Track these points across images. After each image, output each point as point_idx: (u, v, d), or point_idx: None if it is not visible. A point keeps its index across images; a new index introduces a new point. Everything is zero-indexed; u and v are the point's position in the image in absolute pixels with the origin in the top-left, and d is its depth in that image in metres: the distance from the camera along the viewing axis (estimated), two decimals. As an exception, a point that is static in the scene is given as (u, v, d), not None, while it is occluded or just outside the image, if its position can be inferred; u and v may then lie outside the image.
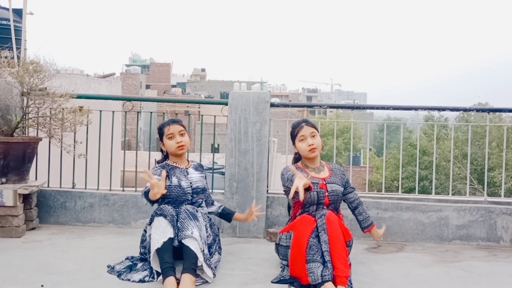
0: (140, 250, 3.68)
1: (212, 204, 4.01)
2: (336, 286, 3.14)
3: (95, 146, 5.04)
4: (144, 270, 3.46)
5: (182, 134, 3.82)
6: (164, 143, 3.83)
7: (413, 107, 5.16)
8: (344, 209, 4.28)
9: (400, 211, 4.64)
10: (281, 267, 3.60)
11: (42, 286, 3.20)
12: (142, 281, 3.36)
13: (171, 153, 3.83)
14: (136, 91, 44.67)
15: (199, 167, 3.95)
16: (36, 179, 4.88)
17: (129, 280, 3.37)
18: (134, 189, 5.00)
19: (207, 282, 3.34)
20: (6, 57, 4.66)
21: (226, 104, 4.75)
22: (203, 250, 3.35)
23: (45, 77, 4.63)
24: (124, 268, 3.53)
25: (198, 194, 3.79)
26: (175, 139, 3.78)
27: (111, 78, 14.94)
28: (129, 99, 5.17)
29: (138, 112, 5.55)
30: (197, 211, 3.59)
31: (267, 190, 4.75)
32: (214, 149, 5.90)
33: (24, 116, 4.61)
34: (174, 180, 3.72)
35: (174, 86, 54.72)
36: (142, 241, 3.66)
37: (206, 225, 3.62)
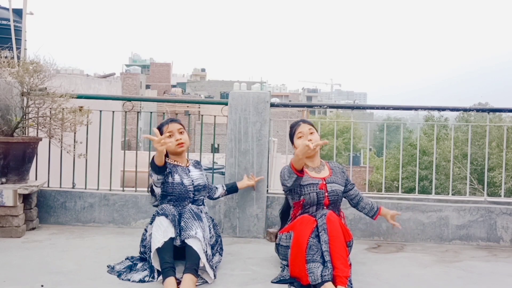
0: (140, 249, 3.68)
1: (217, 189, 4.23)
2: (336, 286, 3.14)
3: (95, 146, 5.04)
4: (144, 270, 3.46)
5: (181, 132, 3.82)
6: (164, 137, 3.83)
7: (413, 107, 5.16)
8: (345, 209, 4.29)
9: (400, 211, 4.63)
10: (281, 267, 3.60)
11: (42, 286, 3.20)
12: (142, 281, 3.36)
13: (170, 151, 3.83)
14: (136, 91, 44.69)
15: (198, 164, 3.98)
16: (36, 179, 4.88)
17: (129, 280, 3.37)
18: (134, 189, 5.00)
19: (207, 282, 3.35)
20: (6, 57, 4.66)
21: (226, 104, 4.75)
22: (206, 251, 3.35)
23: (45, 77, 4.63)
24: (124, 268, 3.53)
25: (199, 192, 3.79)
26: (174, 137, 3.79)
27: (111, 78, 14.95)
28: (129, 99, 5.17)
29: (138, 112, 5.55)
30: (201, 211, 3.60)
31: (267, 190, 4.75)
32: (214, 149, 5.90)
33: (24, 116, 4.61)
34: (177, 178, 3.73)
35: (174, 86, 54.77)
36: (142, 240, 3.66)
37: (209, 225, 3.62)
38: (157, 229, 3.39)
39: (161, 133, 3.82)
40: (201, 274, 3.34)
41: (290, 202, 3.78)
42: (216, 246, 3.68)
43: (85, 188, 4.99)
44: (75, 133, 4.71)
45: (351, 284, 3.24)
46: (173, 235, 3.36)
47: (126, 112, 5.04)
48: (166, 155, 3.89)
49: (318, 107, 5.38)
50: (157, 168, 3.58)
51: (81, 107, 4.82)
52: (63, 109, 4.61)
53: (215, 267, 3.52)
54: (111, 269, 3.55)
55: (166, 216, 3.42)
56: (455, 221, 4.60)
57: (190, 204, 3.67)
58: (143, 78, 49.97)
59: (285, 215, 3.87)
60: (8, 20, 8.96)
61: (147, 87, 51.50)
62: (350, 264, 3.35)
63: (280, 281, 3.41)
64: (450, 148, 22.89)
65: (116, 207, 4.85)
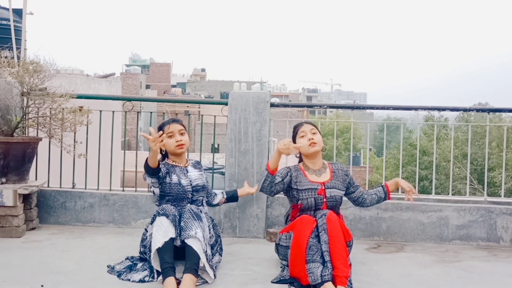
0: (140, 249, 3.68)
1: (216, 195, 4.14)
2: (335, 286, 3.14)
3: (95, 146, 5.04)
4: (144, 270, 3.46)
5: (182, 133, 3.81)
6: (164, 144, 3.82)
7: (413, 107, 5.16)
8: (345, 209, 4.30)
9: (400, 211, 4.64)
10: (281, 267, 3.60)
11: (42, 286, 3.20)
12: (142, 281, 3.36)
13: (170, 152, 3.83)
14: (136, 91, 44.69)
15: (197, 165, 3.96)
16: (36, 179, 4.88)
17: (129, 280, 3.37)
18: (134, 189, 5.00)
19: (207, 282, 3.35)
20: (6, 57, 4.66)
21: (226, 104, 4.75)
22: (206, 251, 3.35)
23: (45, 77, 4.63)
24: (124, 268, 3.53)
25: (198, 192, 3.79)
26: (175, 138, 3.77)
27: (111, 78, 14.95)
28: (129, 99, 5.17)
29: (138, 112, 5.55)
30: (201, 211, 3.60)
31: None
32: (214, 149, 5.90)
33: (24, 116, 4.61)
34: (174, 178, 3.73)
35: (174, 86, 54.75)
36: (143, 240, 3.66)
37: (209, 225, 3.62)
38: (157, 229, 3.39)
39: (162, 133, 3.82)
40: (201, 274, 3.34)
41: (289, 203, 3.78)
42: (216, 246, 3.68)
43: (85, 188, 4.99)
44: (75, 133, 4.71)
45: (351, 284, 3.24)
46: (173, 235, 3.36)
47: (126, 112, 5.04)
48: (166, 156, 3.89)
49: (318, 107, 5.38)
50: (150, 170, 3.56)
51: (81, 107, 4.82)
52: (63, 109, 4.61)
53: (215, 267, 3.52)
54: (111, 269, 3.55)
55: (167, 216, 3.42)
56: (455, 221, 4.60)
57: (189, 204, 3.67)
58: (143, 78, 49.98)
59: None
60: (8, 20, 8.96)
61: (147, 87, 51.50)
62: (350, 264, 3.35)
63: (280, 281, 3.41)
64: (450, 148, 22.89)
65: (116, 207, 4.85)
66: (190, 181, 3.77)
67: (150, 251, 3.46)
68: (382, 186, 3.87)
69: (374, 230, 4.65)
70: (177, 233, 3.40)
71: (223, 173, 5.19)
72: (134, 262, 3.62)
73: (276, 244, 3.70)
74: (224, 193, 4.20)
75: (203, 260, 3.29)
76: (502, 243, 4.56)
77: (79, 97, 4.86)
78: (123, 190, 4.97)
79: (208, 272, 3.33)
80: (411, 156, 26.09)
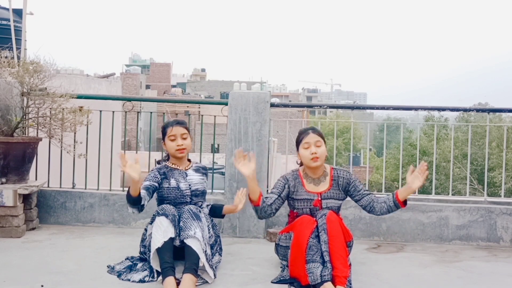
0: (140, 249, 3.68)
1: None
2: (335, 286, 3.14)
3: (95, 146, 5.04)
4: (144, 270, 3.46)
5: (184, 138, 3.74)
6: (165, 143, 3.80)
7: (413, 107, 5.16)
8: (345, 209, 4.29)
9: (400, 211, 4.63)
10: (281, 267, 3.60)
11: (42, 286, 3.20)
12: (142, 281, 3.36)
13: (170, 154, 3.82)
14: (136, 91, 44.68)
15: (201, 169, 3.88)
16: (36, 179, 4.88)
17: (129, 280, 3.37)
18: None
19: (207, 282, 3.35)
20: (6, 57, 4.66)
21: (226, 104, 4.75)
22: (205, 251, 3.35)
23: (45, 77, 4.64)
24: (124, 268, 3.53)
25: (197, 197, 3.75)
26: (176, 142, 3.73)
27: (111, 78, 14.95)
28: (129, 99, 5.17)
29: (138, 112, 5.55)
30: (200, 211, 3.59)
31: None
32: (214, 149, 5.90)
33: (24, 116, 4.61)
34: (173, 182, 3.70)
35: (174, 86, 54.74)
36: (142, 240, 3.66)
37: (208, 225, 3.61)
38: (157, 229, 3.39)
39: (165, 134, 3.79)
40: (201, 274, 3.33)
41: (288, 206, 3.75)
42: (216, 246, 3.68)
43: (85, 188, 4.99)
44: (75, 133, 4.71)
45: (350, 284, 3.24)
46: (173, 235, 3.36)
47: (126, 112, 5.04)
48: (168, 158, 3.86)
49: (318, 107, 5.38)
50: (131, 199, 3.38)
51: (81, 107, 4.82)
52: (63, 109, 4.61)
53: (215, 267, 3.51)
54: (111, 269, 3.55)
55: (166, 216, 3.42)
56: (455, 221, 4.60)
57: (189, 204, 3.66)
58: (143, 78, 49.96)
59: None
60: (8, 20, 8.96)
61: (147, 87, 51.49)
62: (350, 264, 3.34)
63: (280, 281, 3.41)
64: (450, 148, 22.89)
65: (116, 207, 4.85)
66: (190, 185, 3.74)
67: (150, 251, 3.46)
68: (392, 193, 3.54)
69: (374, 230, 4.65)
70: (176, 233, 3.40)
71: (223, 173, 5.19)
72: (134, 262, 3.62)
73: (276, 244, 3.69)
74: (209, 208, 3.91)
75: (202, 260, 3.29)
76: (502, 243, 4.56)
77: (79, 97, 4.86)
78: (123, 190, 4.97)
79: (208, 272, 3.33)
80: (411, 156, 26.09)
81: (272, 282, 3.42)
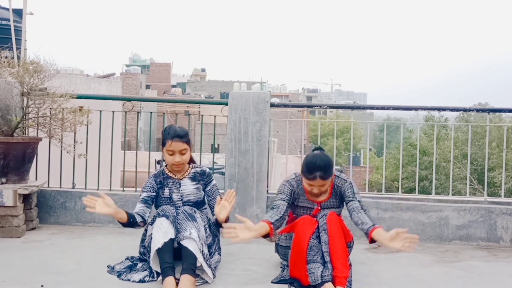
0: (140, 250, 3.68)
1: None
2: (335, 286, 3.14)
3: (95, 146, 5.04)
4: (144, 270, 3.46)
5: (183, 153, 3.62)
6: (164, 153, 3.69)
7: (413, 107, 5.16)
8: (345, 209, 4.28)
9: (400, 211, 4.64)
10: (281, 267, 3.60)
11: (42, 286, 3.20)
12: (142, 281, 3.36)
13: (168, 163, 3.73)
14: (136, 91, 44.70)
15: (198, 176, 3.75)
16: (36, 179, 4.88)
17: (129, 280, 3.37)
18: (134, 189, 5.00)
19: (207, 282, 3.34)
20: (6, 57, 4.66)
21: (226, 104, 4.75)
22: (202, 250, 3.34)
23: (45, 77, 4.64)
24: (124, 268, 3.53)
25: (190, 207, 3.63)
26: (174, 157, 3.60)
27: (111, 78, 14.95)
28: (129, 99, 5.17)
29: (138, 112, 5.55)
30: (195, 211, 3.58)
31: (267, 190, 4.75)
32: (214, 149, 5.90)
33: (24, 116, 4.61)
34: (166, 192, 3.67)
35: (174, 86, 54.75)
36: (142, 240, 3.65)
37: (205, 225, 3.59)
38: (157, 230, 3.39)
39: (164, 143, 3.64)
40: (200, 274, 3.33)
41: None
42: (214, 246, 3.66)
43: (85, 188, 4.99)
44: (75, 133, 4.71)
45: (350, 284, 3.24)
46: (173, 236, 3.35)
47: (126, 112, 5.05)
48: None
49: (318, 107, 5.38)
50: (125, 225, 3.47)
51: (81, 107, 4.82)
52: (63, 109, 4.61)
53: (215, 267, 3.51)
54: (111, 269, 3.55)
55: (167, 217, 3.42)
56: (455, 221, 4.60)
57: (183, 206, 3.62)
58: (143, 78, 49.98)
59: None
60: (8, 20, 8.95)
61: (147, 87, 51.50)
62: (350, 265, 3.34)
63: (280, 281, 3.41)
64: (450, 148, 22.88)
65: (116, 207, 4.84)
66: (182, 196, 3.68)
67: (149, 252, 3.46)
68: (371, 226, 3.32)
69: (374, 230, 4.64)
70: (176, 234, 3.39)
71: (223, 173, 5.19)
72: (134, 262, 3.62)
73: (276, 244, 3.69)
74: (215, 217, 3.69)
75: (200, 260, 3.28)
76: (502, 243, 4.56)
77: (79, 97, 4.86)
78: (123, 190, 4.97)
79: (206, 271, 3.32)
80: (411, 156, 26.10)
81: (272, 282, 3.42)
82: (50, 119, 4.60)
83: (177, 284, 3.18)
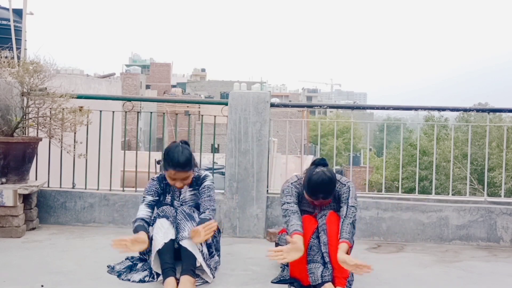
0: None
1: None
2: (335, 287, 3.14)
3: (95, 146, 5.04)
4: (144, 270, 3.46)
5: (185, 179, 3.60)
6: (165, 173, 3.62)
7: (413, 107, 5.16)
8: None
9: (400, 211, 4.64)
10: (281, 267, 3.60)
11: (42, 286, 3.21)
12: (142, 281, 3.36)
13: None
14: (136, 91, 44.70)
15: (198, 180, 3.70)
16: (36, 179, 4.88)
17: (129, 280, 3.38)
18: (134, 189, 5.00)
19: (207, 282, 3.35)
20: (6, 57, 4.66)
21: (226, 104, 4.75)
22: (202, 250, 3.35)
23: (45, 77, 4.64)
24: (124, 268, 3.53)
25: None
26: (176, 182, 3.58)
27: (111, 78, 14.94)
28: (129, 99, 5.17)
29: (138, 112, 5.55)
30: (194, 211, 3.57)
31: (267, 190, 4.75)
32: (214, 149, 5.90)
33: (24, 116, 4.61)
34: (168, 199, 3.68)
35: (174, 86, 54.72)
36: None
37: (204, 225, 3.59)
38: (158, 231, 3.38)
39: (166, 168, 3.57)
40: (200, 274, 3.34)
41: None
42: (213, 246, 3.66)
43: (85, 188, 4.99)
44: (75, 133, 4.71)
45: (350, 284, 3.25)
46: (173, 237, 3.36)
47: (126, 112, 5.05)
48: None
49: (318, 107, 5.39)
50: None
51: (81, 107, 4.82)
52: (63, 109, 4.61)
53: (215, 268, 3.51)
54: (111, 269, 3.55)
55: (167, 218, 3.42)
56: (455, 221, 4.60)
57: (181, 206, 3.63)
58: (143, 78, 49.97)
59: None
60: (8, 20, 8.95)
61: (147, 87, 51.49)
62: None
63: (280, 281, 3.41)
64: (450, 148, 22.89)
65: (116, 207, 4.85)
66: (182, 204, 3.68)
67: (149, 252, 3.45)
68: (340, 238, 3.27)
69: (374, 230, 4.65)
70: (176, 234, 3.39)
71: (223, 173, 5.19)
72: (134, 262, 3.62)
73: (276, 244, 3.69)
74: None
75: (199, 260, 3.29)
76: (502, 243, 4.56)
77: (79, 97, 4.86)
78: (123, 190, 4.97)
79: (206, 271, 3.32)
80: (411, 156, 26.09)
81: (272, 282, 3.42)
82: (50, 119, 4.60)
83: (177, 284, 3.18)
